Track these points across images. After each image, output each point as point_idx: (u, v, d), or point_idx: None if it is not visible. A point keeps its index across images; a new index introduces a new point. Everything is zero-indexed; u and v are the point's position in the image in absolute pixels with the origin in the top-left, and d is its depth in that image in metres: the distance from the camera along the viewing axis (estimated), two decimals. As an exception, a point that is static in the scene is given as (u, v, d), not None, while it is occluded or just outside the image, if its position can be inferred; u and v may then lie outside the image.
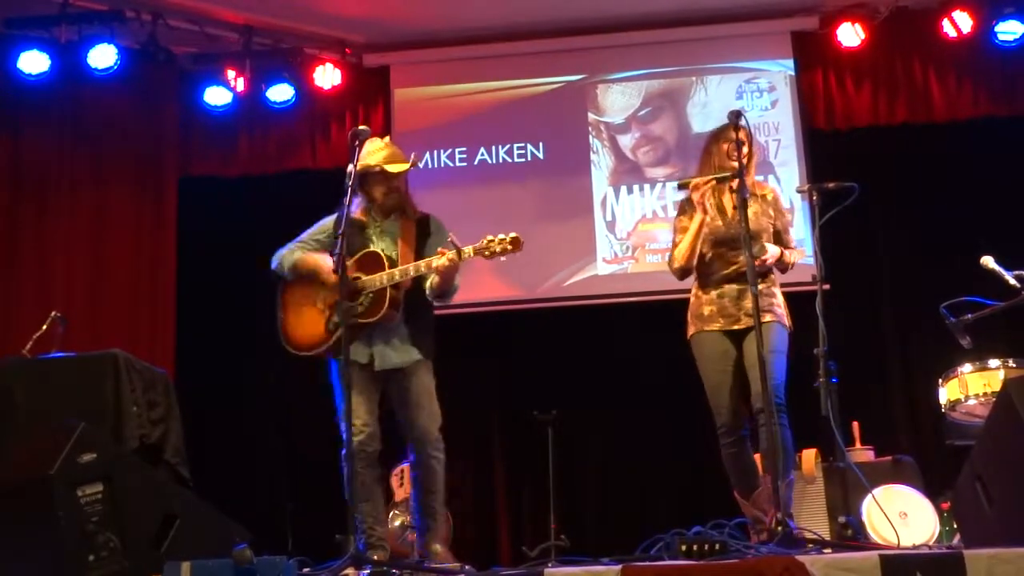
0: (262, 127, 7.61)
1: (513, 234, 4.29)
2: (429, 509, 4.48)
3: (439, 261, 4.30)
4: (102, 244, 7.29)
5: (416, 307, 4.51)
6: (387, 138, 4.71)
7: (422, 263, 4.39)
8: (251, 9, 7.30)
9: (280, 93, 7.40)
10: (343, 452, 4.30)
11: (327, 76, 7.53)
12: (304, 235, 4.67)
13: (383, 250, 4.50)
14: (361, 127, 4.30)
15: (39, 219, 7.22)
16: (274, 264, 4.65)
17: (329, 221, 4.59)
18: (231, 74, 7.41)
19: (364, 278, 4.42)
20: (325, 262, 4.39)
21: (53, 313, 5.27)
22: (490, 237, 4.31)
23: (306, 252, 4.57)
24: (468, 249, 4.31)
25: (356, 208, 4.55)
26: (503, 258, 4.33)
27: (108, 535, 3.56)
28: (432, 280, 4.44)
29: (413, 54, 7.69)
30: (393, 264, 4.45)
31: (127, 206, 7.39)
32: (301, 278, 4.56)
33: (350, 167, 4.24)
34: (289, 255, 4.59)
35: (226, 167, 7.63)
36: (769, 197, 4.84)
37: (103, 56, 6.93)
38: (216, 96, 7.40)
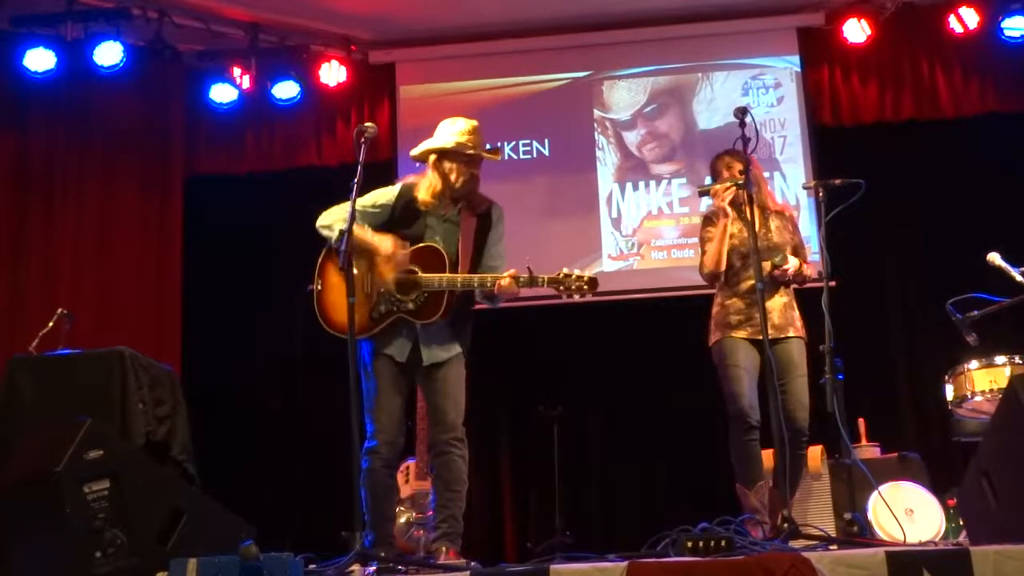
0: (268, 124, 7.62)
1: (591, 275, 4.27)
2: (447, 511, 4.25)
3: (503, 282, 4.19)
4: (108, 241, 7.29)
5: (462, 305, 4.37)
6: (475, 122, 4.47)
7: (488, 277, 4.25)
8: (257, 6, 7.29)
9: (286, 90, 7.40)
10: (366, 446, 4.20)
11: (333, 73, 7.52)
12: (357, 201, 4.22)
13: (443, 245, 4.31)
14: (367, 124, 4.23)
15: (46, 216, 7.22)
16: (322, 224, 4.32)
17: (390, 194, 4.40)
18: (237, 72, 7.42)
19: (421, 274, 4.23)
20: (384, 245, 4.21)
21: (60, 310, 5.29)
22: (567, 271, 4.24)
23: (362, 226, 4.24)
24: (543, 277, 4.21)
25: (418, 187, 4.38)
26: (577, 296, 4.26)
27: (114, 531, 3.58)
28: (487, 291, 4.31)
29: (419, 51, 7.69)
30: (454, 264, 4.28)
31: (133, 203, 7.39)
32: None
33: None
34: (342, 223, 4.16)
35: (232, 164, 7.64)
36: (787, 215, 5.04)
37: (109, 54, 6.93)
38: (222, 94, 7.40)
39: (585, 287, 4.23)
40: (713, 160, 5.05)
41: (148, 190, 7.43)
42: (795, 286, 4.92)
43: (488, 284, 4.25)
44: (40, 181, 7.27)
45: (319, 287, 4.36)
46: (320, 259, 4.39)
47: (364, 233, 4.25)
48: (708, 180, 5.09)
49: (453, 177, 4.38)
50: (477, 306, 4.51)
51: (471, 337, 4.46)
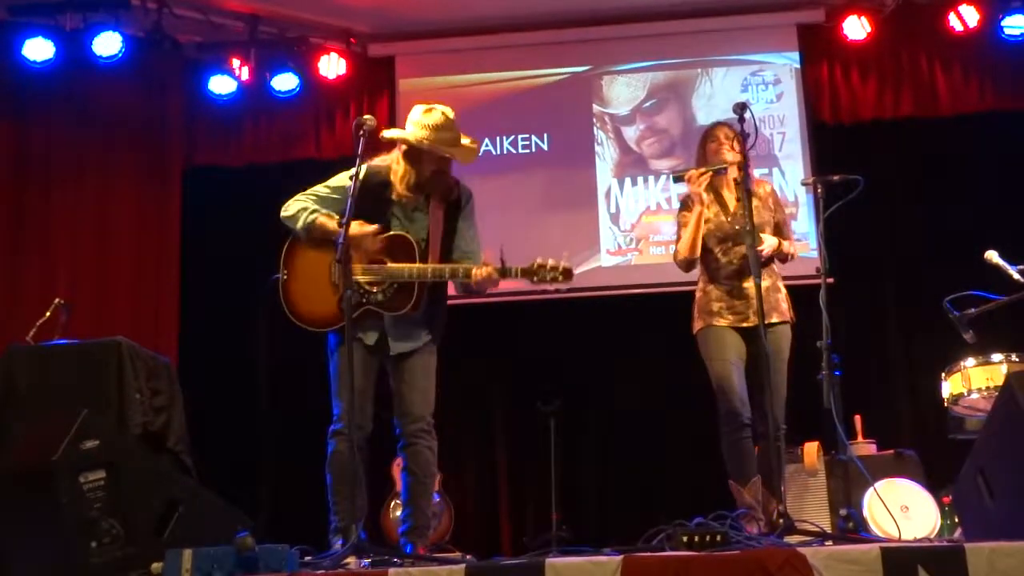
0: (267, 117, 7.61)
1: (565, 264, 4.12)
2: (414, 504, 4.23)
3: (478, 272, 4.10)
4: (106, 232, 7.30)
5: (433, 294, 4.29)
6: (451, 112, 4.29)
7: (460, 268, 4.15)
8: (257, -2, 7.30)
9: (285, 83, 7.40)
10: (331, 429, 4.17)
11: (332, 66, 7.52)
12: (318, 188, 4.33)
13: (413, 234, 4.22)
14: (365, 117, 4.18)
15: (44, 207, 7.23)
16: (286, 214, 4.30)
17: (346, 179, 4.26)
18: (236, 63, 7.40)
19: (390, 265, 4.14)
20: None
21: (57, 300, 5.29)
22: (540, 261, 4.10)
23: (322, 215, 4.24)
24: (515, 268, 4.10)
25: (382, 172, 4.28)
26: (552, 288, 4.13)
27: (110, 522, 3.57)
28: (465, 282, 4.21)
29: (418, 44, 7.68)
30: (423, 253, 4.19)
31: (132, 194, 7.40)
32: (314, 241, 4.25)
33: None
34: (304, 213, 4.23)
35: (230, 156, 7.63)
36: (767, 190, 4.95)
37: (108, 44, 6.91)
38: (221, 85, 7.39)
39: (560, 277, 4.10)
40: (711, 128, 4.89)
41: (146, 181, 7.43)
42: (778, 264, 4.85)
43: (460, 275, 4.14)
44: (38, 171, 7.27)
45: (284, 276, 4.30)
46: (284, 247, 4.35)
47: (325, 222, 4.22)
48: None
49: (425, 170, 4.28)
50: (462, 299, 4.44)
51: (444, 325, 4.39)
